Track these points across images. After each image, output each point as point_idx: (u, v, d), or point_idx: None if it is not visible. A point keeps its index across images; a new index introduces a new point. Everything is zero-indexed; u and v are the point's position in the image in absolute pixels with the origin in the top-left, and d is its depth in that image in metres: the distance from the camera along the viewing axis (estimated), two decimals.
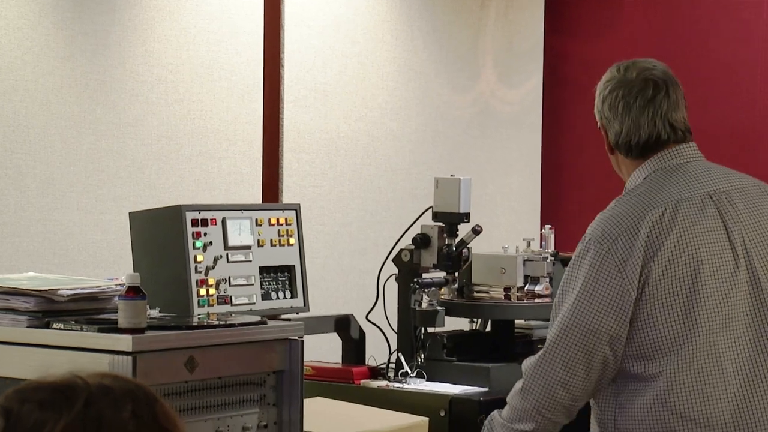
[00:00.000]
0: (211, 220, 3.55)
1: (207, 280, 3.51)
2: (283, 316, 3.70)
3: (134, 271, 3.19)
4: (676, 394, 2.89)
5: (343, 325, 4.35)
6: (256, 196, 5.06)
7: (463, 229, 4.22)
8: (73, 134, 4.54)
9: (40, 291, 3.17)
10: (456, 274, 4.25)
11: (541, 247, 4.39)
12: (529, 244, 4.34)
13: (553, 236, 4.43)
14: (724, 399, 2.89)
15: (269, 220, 3.70)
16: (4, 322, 3.18)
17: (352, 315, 4.37)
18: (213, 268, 3.53)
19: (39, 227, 4.44)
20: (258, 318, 3.43)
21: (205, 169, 4.94)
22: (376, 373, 4.20)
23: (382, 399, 4.00)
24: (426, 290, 4.13)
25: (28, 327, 3.16)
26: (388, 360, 4.22)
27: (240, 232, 3.61)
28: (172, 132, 4.84)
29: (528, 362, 3.03)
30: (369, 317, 4.29)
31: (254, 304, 3.62)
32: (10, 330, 3.17)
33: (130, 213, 3.66)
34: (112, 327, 3.08)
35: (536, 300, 4.24)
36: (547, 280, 4.24)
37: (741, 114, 5.79)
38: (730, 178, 3.06)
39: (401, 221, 4.42)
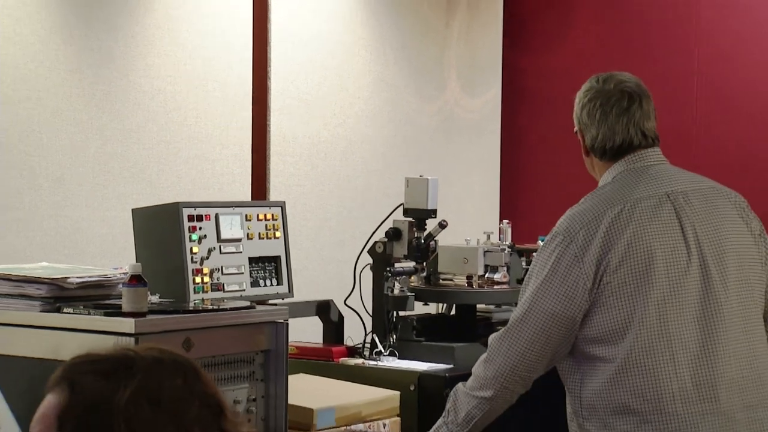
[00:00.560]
0: (206, 215, 3.54)
1: (202, 269, 3.50)
2: (270, 302, 3.70)
3: (137, 262, 3.18)
4: (630, 372, 2.90)
5: (323, 309, 4.34)
6: (246, 195, 5.05)
7: (431, 224, 4.22)
8: (81, 139, 4.52)
9: (52, 279, 3.16)
10: (424, 263, 4.25)
11: (499, 239, 4.39)
12: (489, 237, 4.33)
13: (510, 230, 4.43)
14: (674, 377, 2.89)
15: (258, 216, 3.69)
16: (20, 306, 3.17)
17: (331, 300, 4.36)
18: (207, 258, 3.52)
19: (51, 222, 4.43)
20: (248, 303, 3.42)
21: (200, 170, 4.93)
22: (353, 352, 4.19)
23: (359, 375, 3.99)
24: (397, 278, 4.13)
25: (41, 311, 3.14)
26: (364, 340, 4.21)
27: (231, 226, 3.60)
28: (170, 137, 4.83)
29: (493, 336, 3.06)
30: (347, 302, 4.28)
31: (244, 290, 3.61)
32: (24, 314, 3.15)
33: (132, 209, 3.65)
34: (116, 311, 3.07)
35: (495, 287, 4.24)
36: (505, 269, 4.24)
37: (676, 120, 5.80)
38: (687, 180, 3.07)
39: (375, 217, 4.41)
